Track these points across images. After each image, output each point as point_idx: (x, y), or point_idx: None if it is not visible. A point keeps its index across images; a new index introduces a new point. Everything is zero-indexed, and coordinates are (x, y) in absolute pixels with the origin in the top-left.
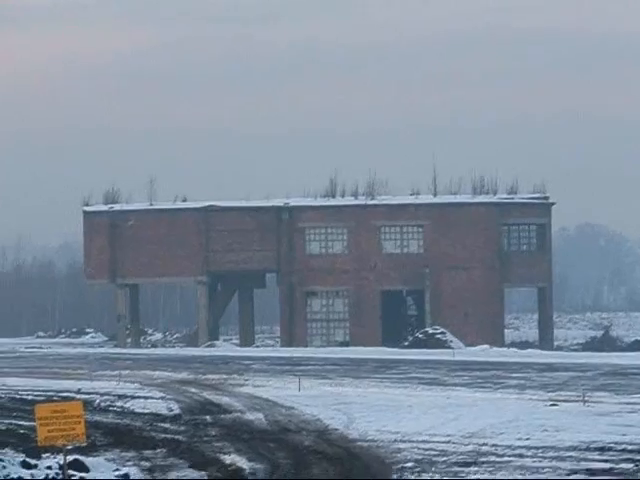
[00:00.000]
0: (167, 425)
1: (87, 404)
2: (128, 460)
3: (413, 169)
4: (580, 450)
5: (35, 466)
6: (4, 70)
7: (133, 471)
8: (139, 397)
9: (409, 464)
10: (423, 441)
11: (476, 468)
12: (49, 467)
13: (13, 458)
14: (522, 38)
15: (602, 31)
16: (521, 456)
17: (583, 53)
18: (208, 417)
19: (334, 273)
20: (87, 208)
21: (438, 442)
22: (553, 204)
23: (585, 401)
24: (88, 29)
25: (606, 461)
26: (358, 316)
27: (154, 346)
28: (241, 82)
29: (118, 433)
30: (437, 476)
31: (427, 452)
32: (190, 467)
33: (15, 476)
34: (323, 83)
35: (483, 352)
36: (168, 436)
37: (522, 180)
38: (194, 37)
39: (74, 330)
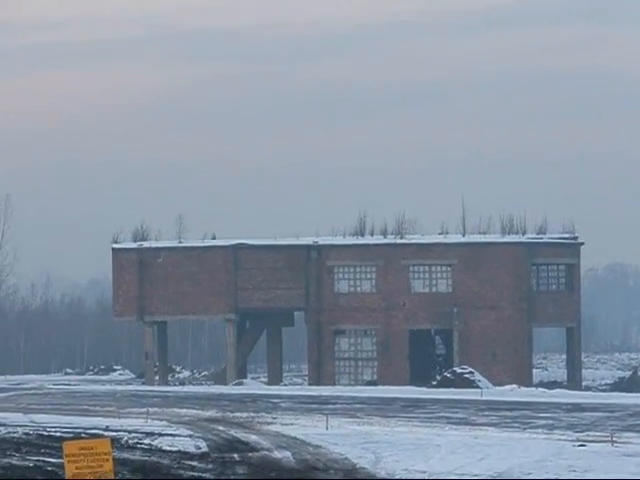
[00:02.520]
0: (195, 463)
1: (115, 441)
2: None
3: (442, 208)
4: None
5: None
6: (34, 105)
7: None
8: (167, 435)
9: None
10: None
11: None
12: None
13: None
14: (552, 78)
15: (636, 73)
16: None
17: (618, 94)
18: (236, 455)
19: (362, 312)
20: (116, 245)
21: None
22: (582, 244)
23: (613, 442)
24: (119, 66)
25: None
26: (386, 355)
27: (182, 384)
28: (273, 120)
29: (145, 471)
30: None
31: None
32: None
33: None
34: (352, 122)
35: (511, 392)
36: (195, 474)
37: (551, 220)
38: (219, 76)
39: (102, 367)
